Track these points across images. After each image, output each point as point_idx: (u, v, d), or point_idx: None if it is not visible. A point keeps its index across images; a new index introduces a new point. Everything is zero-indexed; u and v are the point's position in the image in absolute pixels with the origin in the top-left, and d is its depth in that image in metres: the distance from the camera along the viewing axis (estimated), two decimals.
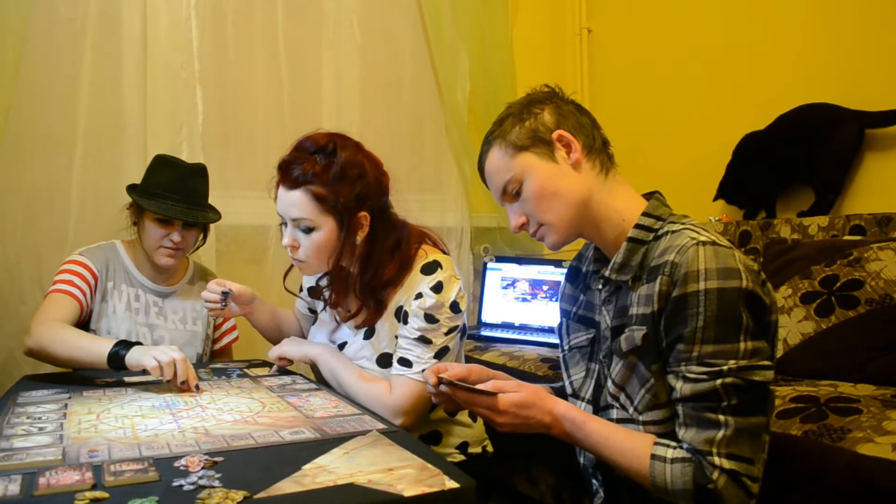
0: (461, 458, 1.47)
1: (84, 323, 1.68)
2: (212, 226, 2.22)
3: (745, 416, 0.94)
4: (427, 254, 1.40)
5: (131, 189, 1.71)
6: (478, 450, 1.51)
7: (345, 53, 2.53)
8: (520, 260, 2.61)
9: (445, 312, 1.34)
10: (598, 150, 1.10)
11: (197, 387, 1.35)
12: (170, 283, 1.79)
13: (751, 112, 2.22)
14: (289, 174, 1.32)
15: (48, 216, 2.01)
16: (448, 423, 1.48)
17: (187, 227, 1.69)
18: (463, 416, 1.49)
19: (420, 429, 1.44)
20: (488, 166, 1.13)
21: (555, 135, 1.08)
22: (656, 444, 0.98)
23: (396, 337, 1.39)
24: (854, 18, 2.08)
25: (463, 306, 1.37)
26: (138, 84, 2.14)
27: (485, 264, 2.66)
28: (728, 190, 2.30)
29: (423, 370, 1.31)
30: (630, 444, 1.00)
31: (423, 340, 1.34)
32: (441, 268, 1.36)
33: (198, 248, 1.82)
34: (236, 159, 2.34)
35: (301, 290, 1.65)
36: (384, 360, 1.41)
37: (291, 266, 1.48)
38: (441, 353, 1.35)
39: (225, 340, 1.91)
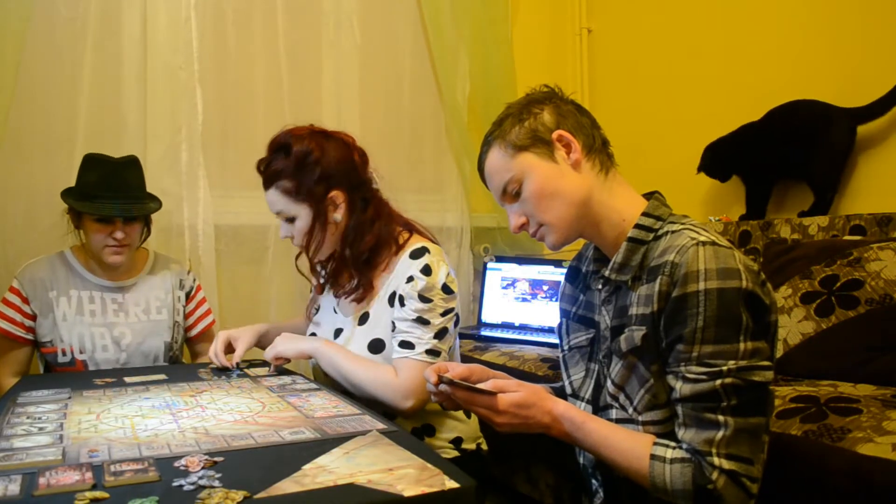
0: (455, 453, 1.49)
1: (31, 344, 1.73)
2: (212, 226, 2.24)
3: (745, 416, 0.94)
4: (414, 241, 1.47)
5: (66, 194, 1.70)
6: (472, 446, 1.53)
7: (345, 53, 2.53)
8: (520, 260, 2.61)
9: (438, 294, 1.39)
10: (598, 149, 1.10)
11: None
12: (129, 276, 1.80)
13: (752, 112, 2.22)
14: (263, 176, 1.48)
15: (48, 216, 2.01)
16: (441, 416, 1.49)
17: (128, 221, 1.70)
18: (457, 411, 1.50)
19: (414, 421, 1.46)
20: (488, 167, 1.13)
21: (554, 135, 1.08)
22: (656, 444, 0.98)
23: (393, 322, 1.42)
24: (853, 19, 2.08)
25: (454, 288, 1.42)
26: (138, 84, 2.14)
27: (485, 264, 2.66)
28: (714, 160, 2.29)
29: (425, 350, 1.36)
30: (629, 445, 1.00)
31: (422, 321, 1.38)
32: (429, 252, 1.43)
33: (144, 239, 1.81)
34: (236, 159, 2.33)
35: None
36: (376, 346, 1.45)
37: (299, 253, 1.60)
38: (441, 334, 1.39)
39: (201, 326, 1.90)
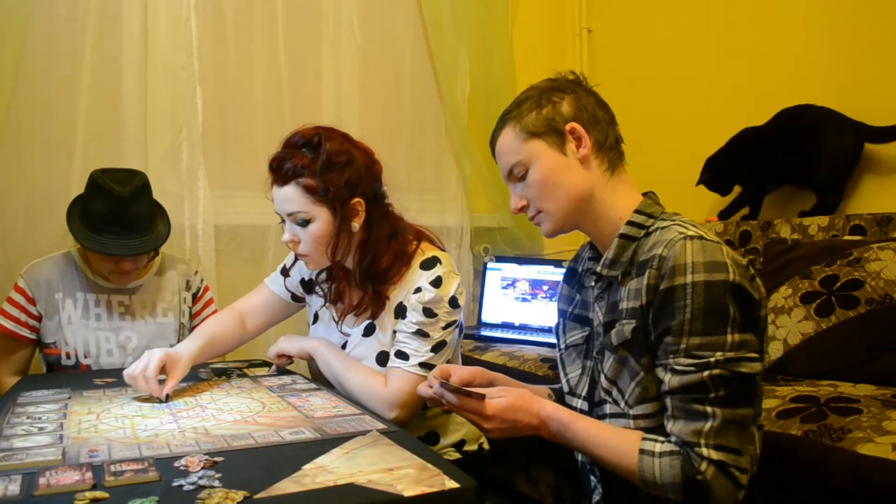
0: (457, 455, 1.48)
1: (34, 343, 1.70)
2: (212, 225, 2.23)
3: (733, 407, 0.94)
4: (425, 251, 1.43)
5: (72, 214, 1.64)
6: (474, 447, 1.52)
7: (345, 53, 2.53)
8: (520, 260, 2.61)
9: (444, 307, 1.36)
10: (609, 147, 1.11)
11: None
12: (136, 277, 1.76)
13: (752, 113, 2.22)
14: (279, 171, 1.35)
15: (48, 216, 2.01)
16: (444, 421, 1.49)
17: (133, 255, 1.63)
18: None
19: (417, 429, 1.44)
20: (499, 145, 1.15)
21: (568, 126, 1.09)
22: (644, 439, 0.99)
23: (395, 332, 1.40)
24: (856, 20, 2.08)
25: (461, 302, 1.39)
26: (138, 84, 2.14)
27: (485, 264, 2.66)
28: (715, 174, 2.28)
29: (419, 363, 1.34)
30: (618, 441, 1.01)
31: (421, 334, 1.35)
32: (440, 263, 1.38)
33: (153, 258, 1.77)
34: (236, 159, 2.33)
35: (287, 273, 1.59)
36: (383, 359, 1.42)
37: (294, 261, 1.54)
38: (438, 347, 1.36)
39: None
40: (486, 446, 1.55)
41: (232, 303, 1.64)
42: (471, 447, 1.52)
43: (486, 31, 2.75)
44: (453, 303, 1.37)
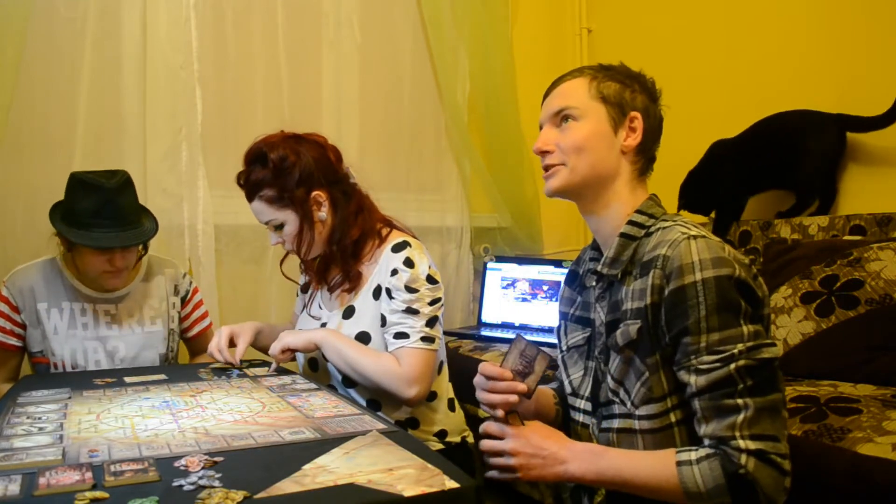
0: (440, 446, 1.51)
1: (22, 350, 1.67)
2: (212, 225, 2.23)
3: (763, 395, 0.94)
4: (396, 236, 1.52)
5: (54, 218, 1.59)
6: (457, 439, 1.56)
7: (345, 53, 2.53)
8: (520, 260, 2.61)
9: (423, 284, 1.44)
10: (648, 157, 1.14)
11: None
12: (122, 284, 1.71)
13: (752, 114, 2.22)
14: (245, 189, 1.53)
15: (48, 216, 2.01)
16: (425, 410, 1.52)
17: (126, 247, 1.61)
18: (440, 404, 1.54)
19: (398, 413, 1.49)
20: (565, 86, 1.16)
21: (633, 114, 1.11)
22: (678, 451, 0.97)
23: (383, 317, 1.46)
24: (857, 24, 2.08)
25: (438, 279, 1.47)
26: (138, 84, 2.14)
27: (485, 264, 2.66)
28: (692, 197, 2.27)
29: (420, 338, 1.41)
30: (653, 460, 0.99)
31: (411, 311, 1.43)
32: (410, 246, 1.48)
33: (141, 257, 1.72)
34: (236, 159, 2.30)
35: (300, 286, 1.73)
36: (362, 339, 1.48)
37: (286, 254, 1.64)
38: (432, 322, 1.44)
39: (197, 328, 1.86)
40: (469, 439, 1.57)
41: (231, 302, 1.67)
42: (454, 439, 1.55)
43: (486, 31, 2.75)
44: (430, 280, 1.45)
